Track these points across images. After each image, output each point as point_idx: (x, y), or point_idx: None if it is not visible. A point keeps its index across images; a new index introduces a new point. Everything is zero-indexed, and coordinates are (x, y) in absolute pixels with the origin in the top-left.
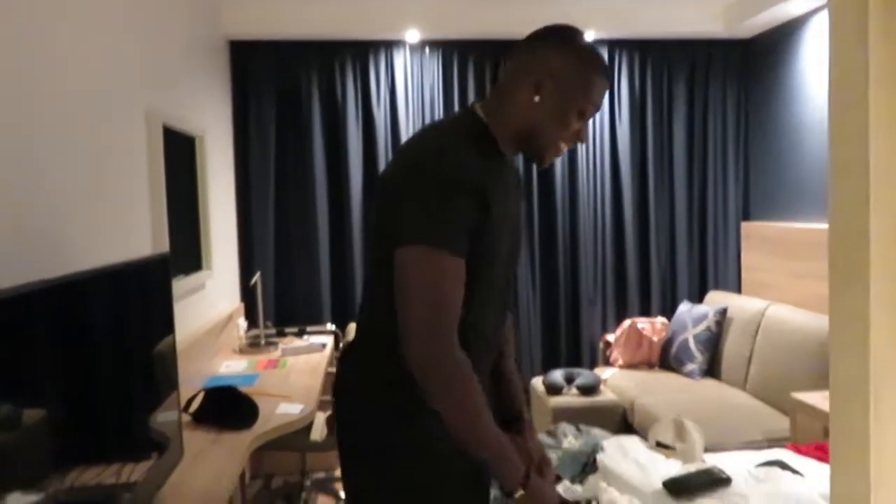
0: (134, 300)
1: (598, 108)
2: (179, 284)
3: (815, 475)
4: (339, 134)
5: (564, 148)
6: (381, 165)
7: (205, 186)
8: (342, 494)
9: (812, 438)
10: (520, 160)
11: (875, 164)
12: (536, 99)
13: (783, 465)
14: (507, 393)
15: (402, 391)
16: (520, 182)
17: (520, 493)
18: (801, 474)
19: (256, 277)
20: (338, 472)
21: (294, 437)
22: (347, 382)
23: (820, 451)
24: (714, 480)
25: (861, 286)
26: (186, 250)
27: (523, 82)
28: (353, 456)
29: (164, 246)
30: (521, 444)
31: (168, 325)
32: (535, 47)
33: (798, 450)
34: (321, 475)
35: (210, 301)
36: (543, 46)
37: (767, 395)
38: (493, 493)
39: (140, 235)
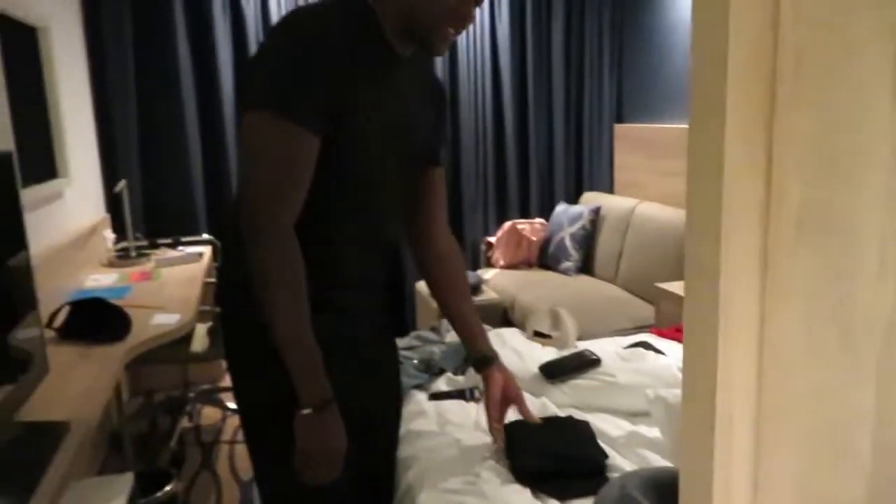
0: None
1: None
2: (31, 193)
3: (674, 353)
4: (204, 29)
5: (452, 33)
6: None
7: (53, 84)
8: (229, 404)
9: (674, 323)
10: None
11: (732, 65)
12: None
13: (647, 346)
14: (468, 334)
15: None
16: (438, 93)
17: (307, 410)
18: (662, 353)
19: (122, 184)
20: (222, 383)
21: (174, 350)
22: (222, 280)
23: (678, 333)
24: (585, 362)
25: (715, 179)
26: (38, 157)
27: None
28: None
29: (8, 144)
30: (502, 379)
31: (18, 236)
32: None
33: (660, 333)
34: (205, 387)
35: (70, 212)
36: None
37: (635, 287)
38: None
39: None
